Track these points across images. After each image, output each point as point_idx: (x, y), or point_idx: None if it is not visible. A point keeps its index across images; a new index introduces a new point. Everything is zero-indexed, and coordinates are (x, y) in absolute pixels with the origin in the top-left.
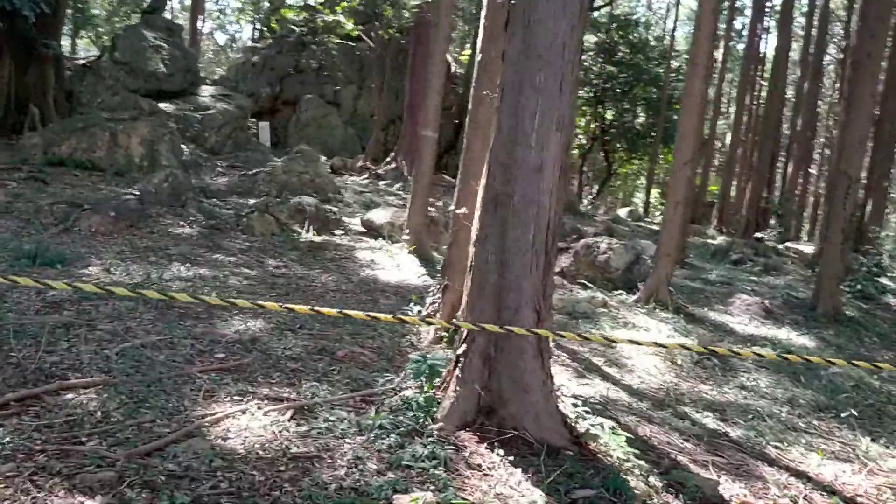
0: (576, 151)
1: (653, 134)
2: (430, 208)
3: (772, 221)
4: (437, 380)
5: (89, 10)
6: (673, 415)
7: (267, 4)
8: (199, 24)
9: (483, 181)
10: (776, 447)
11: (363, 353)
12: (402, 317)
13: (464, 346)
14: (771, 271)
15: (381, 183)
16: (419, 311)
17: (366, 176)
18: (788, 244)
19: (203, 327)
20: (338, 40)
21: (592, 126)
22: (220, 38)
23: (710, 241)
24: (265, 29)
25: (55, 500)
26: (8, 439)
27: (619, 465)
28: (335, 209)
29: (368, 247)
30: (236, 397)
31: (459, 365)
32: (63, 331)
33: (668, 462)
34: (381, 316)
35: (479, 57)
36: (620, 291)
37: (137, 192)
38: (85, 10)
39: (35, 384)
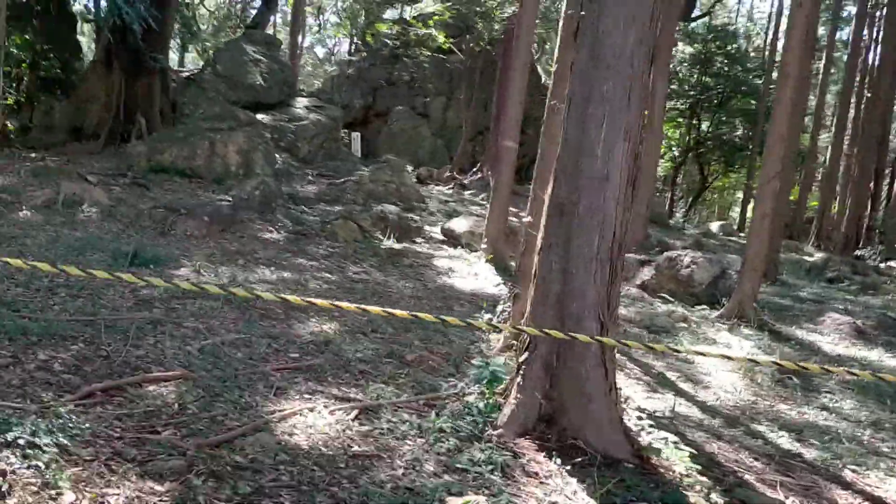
0: (668, 164)
1: (750, 146)
2: (509, 217)
3: (875, 239)
4: (500, 386)
5: (196, 26)
6: (745, 433)
7: (363, 19)
8: (298, 38)
9: (549, 190)
10: (853, 470)
11: (432, 357)
12: (471, 321)
13: (526, 354)
14: (868, 290)
15: (467, 193)
16: (489, 319)
17: (451, 186)
18: (891, 263)
19: (280, 328)
20: (429, 53)
21: (687, 138)
22: (320, 51)
23: (805, 257)
24: (360, 42)
25: (127, 483)
26: (89, 426)
27: (679, 481)
28: (417, 217)
29: (447, 255)
30: (306, 395)
31: (521, 372)
32: (151, 327)
33: (732, 480)
34: (449, 319)
35: (554, 67)
36: (703, 306)
37: (231, 199)
38: (191, 26)
39: (120, 376)
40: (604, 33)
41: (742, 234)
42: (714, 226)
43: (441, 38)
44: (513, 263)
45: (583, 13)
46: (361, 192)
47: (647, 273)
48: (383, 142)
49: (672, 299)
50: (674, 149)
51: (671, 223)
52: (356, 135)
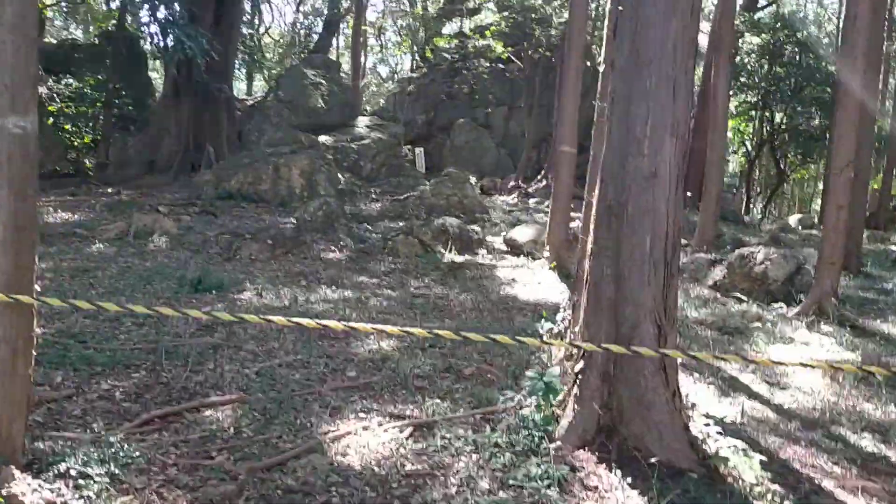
0: (742, 159)
1: (827, 136)
2: (571, 223)
3: None
4: (557, 397)
5: (259, 55)
6: (825, 436)
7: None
8: (360, 59)
9: (596, 193)
10: None
11: (490, 370)
12: (521, 338)
13: (581, 364)
14: None
15: (531, 201)
16: (550, 329)
17: (515, 195)
18: None
19: (338, 347)
20: (488, 64)
21: (761, 131)
22: (384, 70)
23: (892, 247)
24: (420, 59)
25: None
26: (140, 454)
27: (748, 490)
28: (478, 229)
29: (510, 265)
30: (361, 414)
31: (577, 382)
32: (211, 352)
33: (807, 487)
34: (499, 338)
35: (602, 66)
36: (779, 304)
37: (295, 220)
38: (254, 55)
39: (179, 402)
40: (643, 26)
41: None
42: (792, 219)
43: (499, 48)
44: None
45: (620, 7)
46: (424, 207)
47: (718, 273)
48: (447, 155)
49: (746, 298)
50: (747, 143)
51: (746, 220)
52: (419, 150)
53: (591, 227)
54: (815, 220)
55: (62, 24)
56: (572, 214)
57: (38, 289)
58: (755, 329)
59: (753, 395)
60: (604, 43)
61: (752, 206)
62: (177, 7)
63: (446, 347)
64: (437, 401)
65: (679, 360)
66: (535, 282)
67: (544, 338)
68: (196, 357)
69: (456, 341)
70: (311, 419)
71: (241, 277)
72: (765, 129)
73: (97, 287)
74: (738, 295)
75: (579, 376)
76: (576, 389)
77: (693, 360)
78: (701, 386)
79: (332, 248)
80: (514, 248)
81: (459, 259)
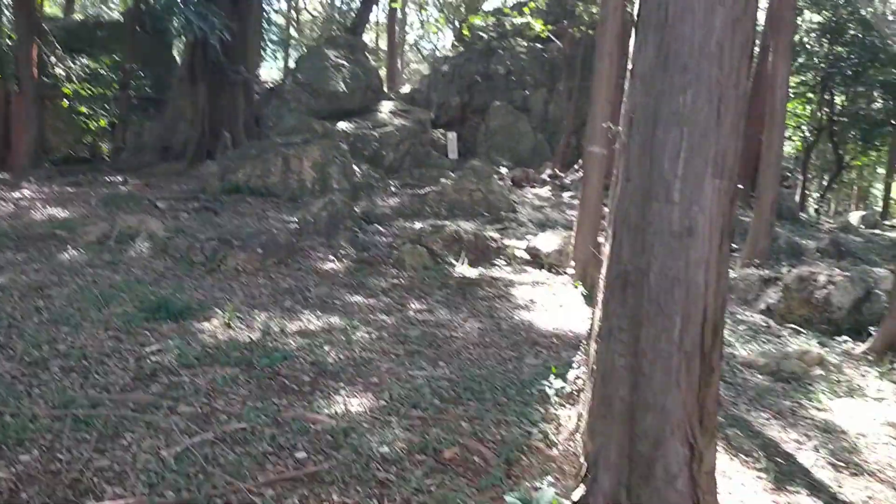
0: (798, 143)
1: (893, 121)
2: (601, 233)
3: None
4: None
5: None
6: None
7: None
8: (396, 37)
9: (606, 250)
10: None
11: (479, 449)
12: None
13: (582, 490)
14: None
15: (566, 195)
16: (560, 389)
17: (549, 188)
18: None
19: (297, 408)
20: (526, 43)
21: (819, 114)
22: (427, 47)
23: None
24: (455, 38)
25: None
26: None
27: None
28: (496, 236)
29: (529, 280)
30: None
31: None
32: (134, 418)
33: None
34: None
35: (630, 65)
36: (845, 338)
37: (297, 221)
38: (276, 34)
39: (65, 501)
40: (676, 18)
41: (889, 223)
42: (853, 217)
43: (539, 26)
44: None
45: None
46: (444, 203)
47: (772, 295)
48: (481, 140)
49: (804, 329)
50: (804, 128)
51: (803, 217)
52: (452, 135)
53: (600, 297)
54: (879, 216)
55: (92, 2)
56: (603, 222)
57: None
58: (816, 376)
59: (815, 487)
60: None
61: (807, 195)
62: None
63: (431, 409)
64: None
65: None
66: (557, 304)
67: (553, 401)
68: (112, 428)
69: (446, 399)
70: None
71: (216, 297)
72: (823, 112)
73: (45, 311)
74: (795, 326)
75: None
76: None
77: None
78: (747, 473)
79: (332, 256)
80: (537, 259)
81: (472, 273)
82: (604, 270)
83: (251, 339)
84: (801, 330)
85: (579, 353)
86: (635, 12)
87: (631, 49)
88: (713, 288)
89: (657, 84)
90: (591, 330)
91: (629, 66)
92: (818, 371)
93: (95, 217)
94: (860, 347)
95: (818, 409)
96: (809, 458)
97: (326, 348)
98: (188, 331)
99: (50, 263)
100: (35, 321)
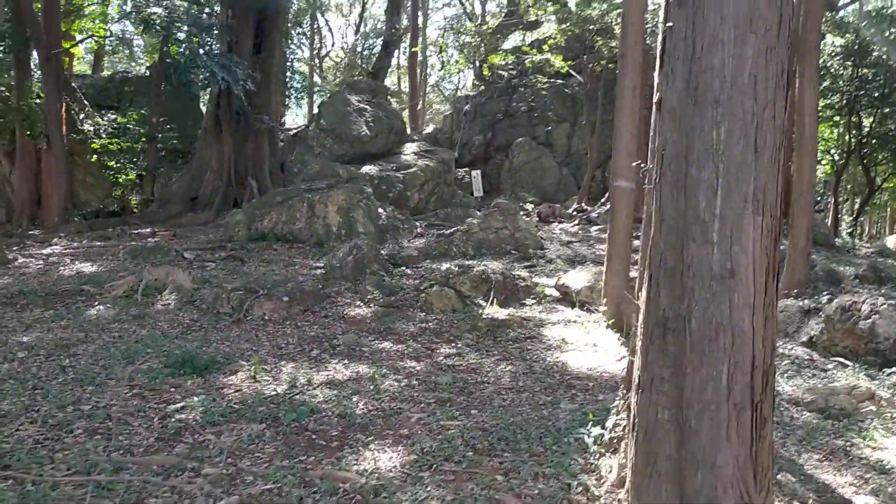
0: (828, 167)
1: None
2: (633, 267)
3: None
4: None
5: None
6: None
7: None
8: (418, 79)
9: (643, 294)
10: None
11: None
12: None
13: None
14: None
15: (593, 229)
16: (599, 436)
17: (576, 222)
18: None
19: (325, 465)
20: (546, 80)
21: (847, 137)
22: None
23: None
24: (476, 78)
25: None
26: None
27: None
28: (525, 275)
29: (560, 319)
30: None
31: None
32: (155, 483)
33: None
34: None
35: (656, 96)
36: (894, 370)
37: (323, 267)
38: (299, 81)
39: None
40: (705, 49)
41: None
42: (890, 241)
43: (558, 62)
44: None
45: (669, 24)
46: (471, 243)
47: (814, 326)
48: (506, 177)
49: (850, 361)
50: (832, 152)
51: (838, 242)
52: (476, 173)
53: (638, 345)
54: None
55: (120, 58)
56: (634, 256)
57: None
58: (867, 413)
59: None
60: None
61: (840, 219)
62: (212, 38)
63: (465, 462)
64: None
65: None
66: (590, 343)
67: (592, 450)
68: (135, 493)
69: (480, 452)
70: None
71: (243, 348)
72: (852, 135)
73: (70, 370)
74: (840, 358)
75: None
76: None
77: None
78: None
79: (359, 302)
80: (567, 297)
81: (502, 314)
82: (641, 316)
83: (277, 391)
84: (847, 362)
85: (617, 396)
86: (659, 44)
87: (656, 82)
88: (761, 333)
89: (688, 119)
90: (628, 377)
91: (655, 100)
92: (869, 407)
93: (123, 270)
94: None
95: (873, 449)
96: (868, 503)
97: (354, 399)
98: (213, 386)
99: (77, 320)
100: (60, 381)
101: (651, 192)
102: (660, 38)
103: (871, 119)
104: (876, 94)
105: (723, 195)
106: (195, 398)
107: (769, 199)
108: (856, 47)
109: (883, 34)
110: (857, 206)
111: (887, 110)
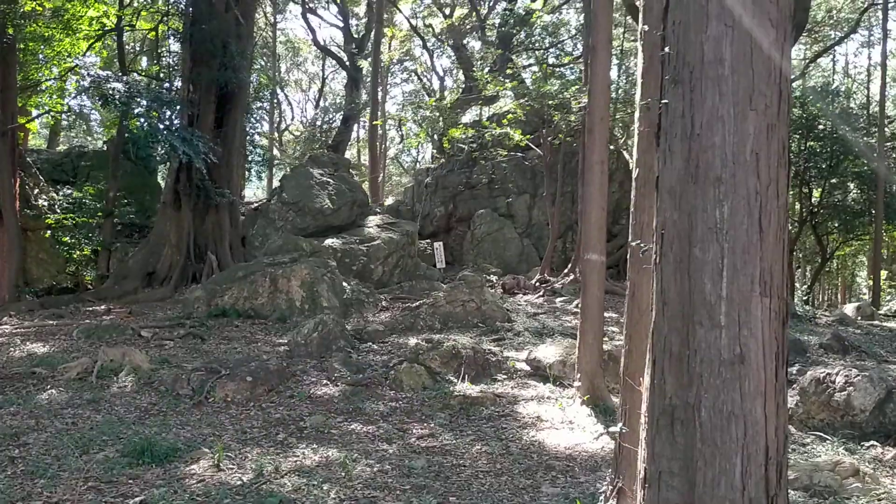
0: None
1: (872, 210)
2: (607, 340)
3: None
4: None
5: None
6: None
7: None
8: (378, 151)
9: (646, 380)
10: None
11: None
12: None
13: None
14: None
15: (559, 300)
16: None
17: (541, 293)
18: None
19: None
20: (506, 153)
21: (798, 207)
22: (407, 159)
23: None
24: (435, 151)
25: None
26: None
27: None
28: (495, 349)
29: (534, 395)
30: None
31: None
32: None
33: None
34: None
35: (635, 172)
36: (872, 442)
37: (287, 344)
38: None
39: None
40: (704, 127)
41: (883, 313)
42: (849, 308)
43: (517, 136)
44: (616, 400)
45: (665, 101)
46: (438, 316)
47: (789, 399)
48: (468, 248)
49: (828, 435)
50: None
51: (799, 312)
52: (438, 244)
53: (643, 436)
54: (870, 304)
55: (77, 133)
56: (607, 328)
57: None
58: (853, 489)
59: None
60: (634, 144)
61: (795, 288)
62: (173, 112)
63: None
64: None
65: None
66: (566, 420)
67: None
68: None
69: None
70: None
71: (205, 432)
72: (803, 205)
73: (20, 461)
74: (818, 432)
75: None
76: None
77: None
78: None
79: (325, 380)
80: (538, 371)
81: (474, 391)
82: (644, 405)
83: (243, 480)
84: (825, 436)
85: (604, 482)
86: (655, 122)
87: (634, 158)
88: (773, 421)
89: (689, 198)
90: (615, 461)
91: (654, 179)
92: (855, 483)
93: (77, 351)
94: (890, 453)
95: None
96: None
97: (325, 487)
98: (174, 476)
99: (27, 405)
100: (9, 473)
101: (653, 272)
102: (637, 110)
103: (821, 190)
104: (824, 166)
105: (729, 276)
106: (155, 490)
107: (776, 280)
108: (803, 121)
109: (828, 108)
110: (807, 275)
111: (834, 180)
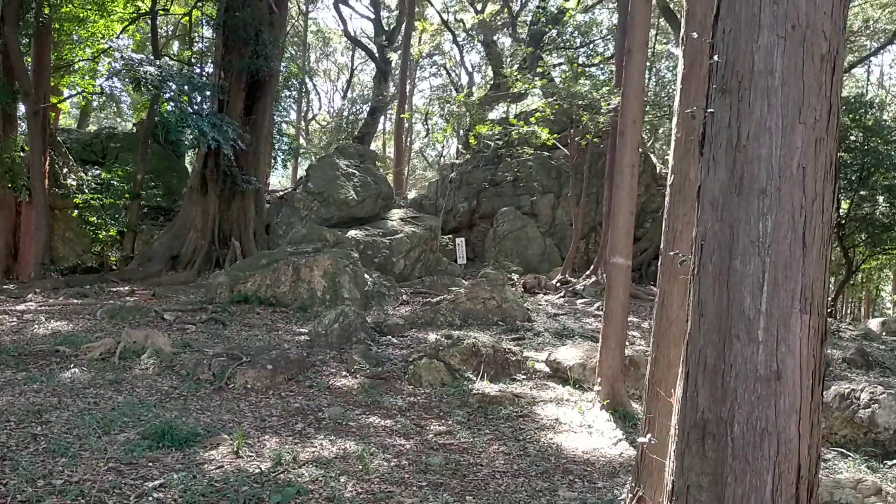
0: None
1: None
2: (629, 346)
3: None
4: None
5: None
6: None
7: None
8: (403, 145)
9: (678, 393)
10: None
11: None
12: None
13: None
14: None
15: (579, 302)
16: None
17: (562, 294)
18: None
19: None
20: (532, 151)
21: None
22: (431, 153)
23: None
24: (461, 146)
25: None
26: None
27: None
28: (515, 349)
29: (553, 397)
30: None
31: None
32: None
33: None
34: None
35: (671, 179)
36: (895, 462)
37: (307, 333)
38: (286, 143)
39: None
40: (750, 138)
41: None
42: (873, 323)
43: (544, 135)
44: (636, 406)
45: (710, 110)
46: (458, 313)
47: None
48: (490, 245)
49: (850, 452)
50: None
51: None
52: (460, 240)
53: (671, 448)
54: None
55: (107, 114)
56: (627, 332)
57: None
58: None
59: None
60: (671, 150)
61: None
62: (204, 97)
63: None
64: None
65: None
66: (585, 424)
67: None
68: None
69: None
70: None
71: (225, 419)
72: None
73: (42, 439)
74: (840, 448)
75: None
76: None
77: None
78: None
79: (345, 372)
80: (558, 373)
81: (493, 390)
82: (674, 417)
83: (261, 469)
84: (847, 453)
85: (625, 489)
86: (695, 130)
87: (671, 164)
88: (807, 441)
89: (732, 209)
90: (637, 469)
91: (696, 189)
92: (876, 502)
93: (100, 331)
94: None
95: None
96: None
97: (342, 480)
98: (194, 461)
99: (50, 383)
100: (31, 451)
101: (689, 283)
102: (675, 121)
103: (849, 202)
104: (853, 178)
105: (769, 291)
106: (174, 475)
107: (817, 296)
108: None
109: (861, 119)
110: (832, 287)
111: (864, 193)
